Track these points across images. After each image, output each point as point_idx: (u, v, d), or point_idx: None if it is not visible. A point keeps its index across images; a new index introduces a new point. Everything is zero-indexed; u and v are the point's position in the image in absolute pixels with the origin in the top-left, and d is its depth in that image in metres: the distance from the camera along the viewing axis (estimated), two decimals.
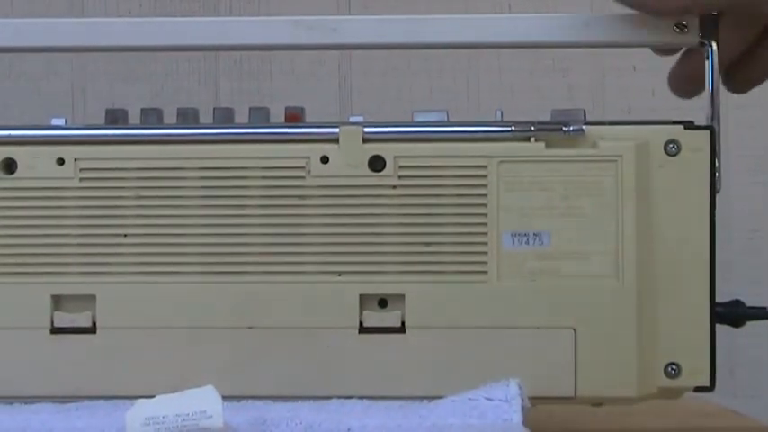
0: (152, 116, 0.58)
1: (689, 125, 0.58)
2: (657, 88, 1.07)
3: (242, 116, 0.59)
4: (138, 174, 0.57)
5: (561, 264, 0.56)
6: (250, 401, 0.54)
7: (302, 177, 0.57)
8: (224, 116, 0.59)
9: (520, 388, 0.51)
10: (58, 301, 0.56)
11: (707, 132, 0.58)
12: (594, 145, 0.57)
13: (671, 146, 0.57)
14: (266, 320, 0.56)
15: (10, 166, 0.56)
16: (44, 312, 0.56)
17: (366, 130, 0.57)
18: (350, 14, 1.06)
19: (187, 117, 0.59)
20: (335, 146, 0.57)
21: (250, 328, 0.56)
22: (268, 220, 0.57)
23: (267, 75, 1.05)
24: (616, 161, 0.56)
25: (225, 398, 0.48)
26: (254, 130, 0.58)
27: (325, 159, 0.56)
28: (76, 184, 0.56)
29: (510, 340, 0.55)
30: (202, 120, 0.59)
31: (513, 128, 0.59)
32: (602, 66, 1.07)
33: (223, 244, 0.57)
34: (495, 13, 1.07)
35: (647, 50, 1.06)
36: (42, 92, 1.02)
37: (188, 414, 0.43)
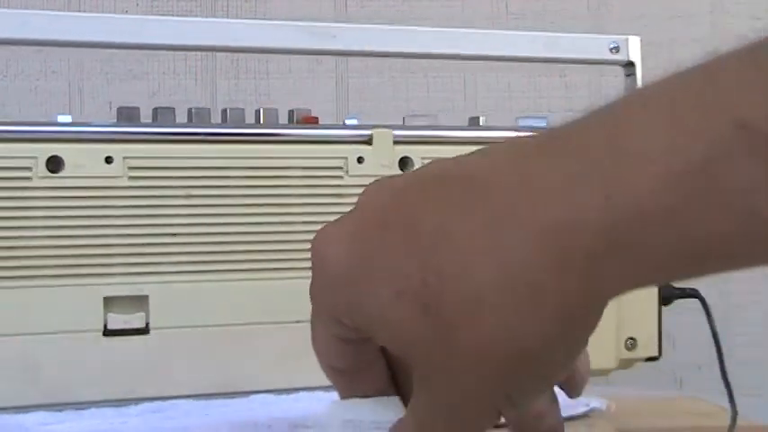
0: (166, 115, 0.58)
1: None
2: None
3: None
4: (187, 173, 0.57)
5: None
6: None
7: (340, 177, 0.60)
8: (237, 116, 0.60)
9: None
10: (110, 303, 0.55)
11: None
12: None
13: None
14: None
15: (56, 164, 0.54)
16: (97, 315, 0.55)
17: (396, 132, 0.62)
18: (347, 13, 1.06)
19: (201, 117, 0.59)
20: (369, 147, 0.60)
21: (298, 322, 0.57)
22: (309, 218, 0.58)
23: (264, 74, 1.05)
24: None
25: (282, 390, 0.48)
26: (296, 131, 0.60)
27: (360, 160, 0.60)
28: (125, 183, 0.55)
29: None
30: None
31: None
32: (599, 65, 1.07)
33: (268, 241, 0.58)
34: (494, 13, 1.07)
35: (645, 50, 1.06)
36: (39, 90, 1.01)
37: (382, 421, 0.42)
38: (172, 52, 1.03)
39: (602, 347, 0.60)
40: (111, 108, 1.02)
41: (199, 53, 1.02)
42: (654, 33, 1.07)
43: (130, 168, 0.55)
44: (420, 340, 0.34)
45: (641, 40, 1.07)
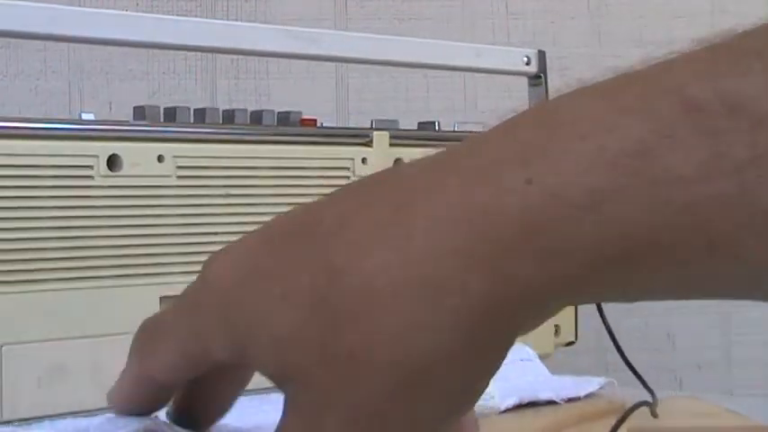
0: (183, 114, 0.58)
1: None
2: None
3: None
4: (226, 172, 0.57)
5: None
6: None
7: (347, 177, 0.62)
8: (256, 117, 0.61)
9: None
10: (164, 303, 0.55)
11: None
12: None
13: None
14: None
15: (115, 163, 0.54)
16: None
17: (392, 134, 0.65)
18: (347, 14, 1.06)
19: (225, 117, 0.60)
20: (371, 149, 0.63)
21: None
22: None
23: (264, 74, 1.05)
24: None
25: None
26: (312, 132, 0.63)
27: (364, 161, 0.63)
28: (174, 182, 0.55)
29: None
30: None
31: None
32: (599, 65, 1.07)
33: None
34: (494, 13, 1.07)
35: (645, 50, 1.06)
36: (39, 90, 1.01)
37: None
38: (172, 53, 1.03)
39: (542, 332, 0.62)
40: (111, 108, 1.02)
41: (199, 54, 1.02)
42: (654, 33, 1.07)
43: (179, 168, 0.55)
44: (301, 347, 0.29)
45: (641, 40, 1.07)
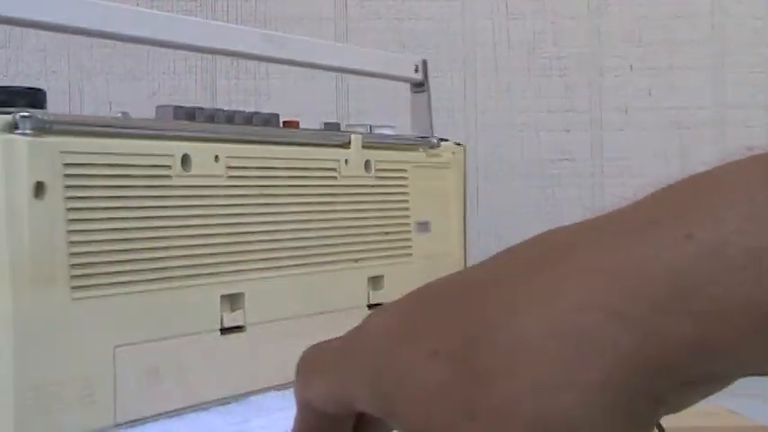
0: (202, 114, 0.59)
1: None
2: (654, 87, 1.08)
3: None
4: (262, 172, 0.58)
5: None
6: None
7: (335, 177, 0.64)
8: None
9: None
10: (225, 301, 0.56)
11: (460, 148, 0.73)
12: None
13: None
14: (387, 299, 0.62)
15: (187, 163, 0.54)
16: (215, 313, 0.55)
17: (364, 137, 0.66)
18: (346, 14, 1.06)
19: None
20: (349, 150, 0.65)
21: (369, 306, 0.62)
22: (352, 214, 0.65)
23: (264, 74, 1.05)
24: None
25: None
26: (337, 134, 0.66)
27: (347, 162, 0.64)
28: (224, 182, 0.56)
29: None
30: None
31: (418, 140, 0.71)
32: (599, 65, 1.07)
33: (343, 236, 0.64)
34: (494, 13, 1.07)
35: (645, 51, 1.06)
36: None
37: None
38: (172, 53, 1.03)
39: None
40: (110, 108, 1.02)
41: (199, 54, 1.02)
42: (654, 33, 1.07)
43: (228, 168, 0.56)
44: (450, 403, 0.29)
45: (641, 40, 1.07)
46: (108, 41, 1.03)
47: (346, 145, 0.65)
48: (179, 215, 0.53)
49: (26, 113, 0.46)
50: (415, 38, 1.06)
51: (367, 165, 0.66)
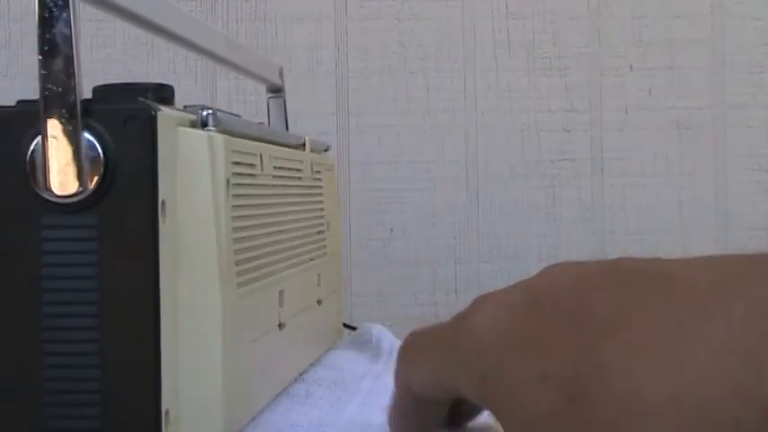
0: None
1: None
2: (654, 87, 1.08)
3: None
4: (285, 172, 0.59)
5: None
6: None
7: (300, 178, 0.64)
8: None
9: None
10: (281, 297, 0.56)
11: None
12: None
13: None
14: None
15: (263, 162, 0.55)
16: (276, 309, 0.55)
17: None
18: (346, 14, 1.06)
19: None
20: (304, 152, 0.66)
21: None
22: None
23: None
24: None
25: None
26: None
27: (302, 162, 0.65)
28: (269, 181, 0.56)
29: None
30: None
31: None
32: (599, 65, 1.07)
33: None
34: (494, 13, 1.07)
35: (645, 51, 1.06)
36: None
37: None
38: (172, 54, 1.03)
39: None
40: None
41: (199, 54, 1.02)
42: (654, 33, 1.07)
43: (275, 168, 0.57)
44: (552, 430, 0.30)
45: (641, 40, 1.07)
46: (108, 42, 1.03)
47: (301, 147, 0.66)
48: (267, 213, 0.55)
49: (211, 110, 0.46)
50: (415, 38, 1.06)
51: (312, 166, 0.67)
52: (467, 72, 1.07)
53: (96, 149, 0.41)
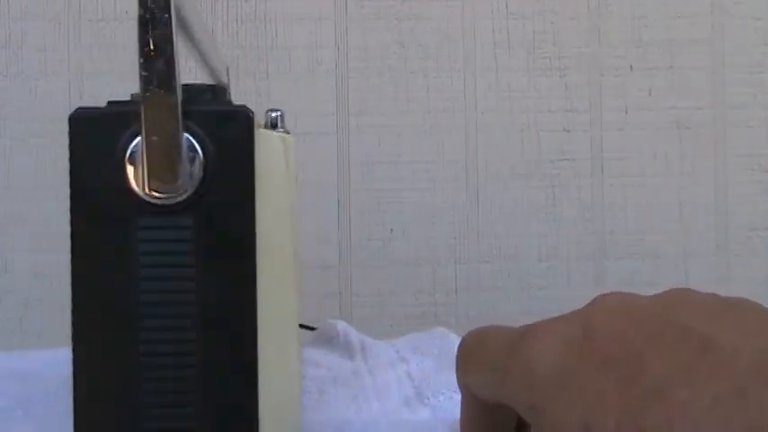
0: None
1: None
2: (654, 87, 1.08)
3: None
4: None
5: None
6: None
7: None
8: None
9: None
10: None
11: None
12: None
13: None
14: None
15: None
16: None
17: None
18: (346, 14, 1.06)
19: None
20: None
21: None
22: None
23: (264, 74, 1.05)
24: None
25: None
26: None
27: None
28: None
29: None
30: None
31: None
32: (599, 65, 1.07)
33: None
34: (494, 13, 1.07)
35: (645, 51, 1.06)
36: (39, 91, 1.01)
37: None
38: None
39: None
40: None
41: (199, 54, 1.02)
42: (654, 33, 1.07)
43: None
44: None
45: (641, 40, 1.07)
46: (109, 42, 1.03)
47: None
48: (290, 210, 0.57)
49: (279, 112, 0.47)
50: (415, 38, 1.06)
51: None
52: (467, 72, 1.06)
53: (196, 150, 0.41)
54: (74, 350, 0.40)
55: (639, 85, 1.07)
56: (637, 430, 0.30)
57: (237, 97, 1.04)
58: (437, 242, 1.06)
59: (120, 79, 1.02)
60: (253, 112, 0.42)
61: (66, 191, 0.41)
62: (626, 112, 1.07)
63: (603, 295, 0.36)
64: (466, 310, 1.02)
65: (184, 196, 0.41)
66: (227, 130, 0.42)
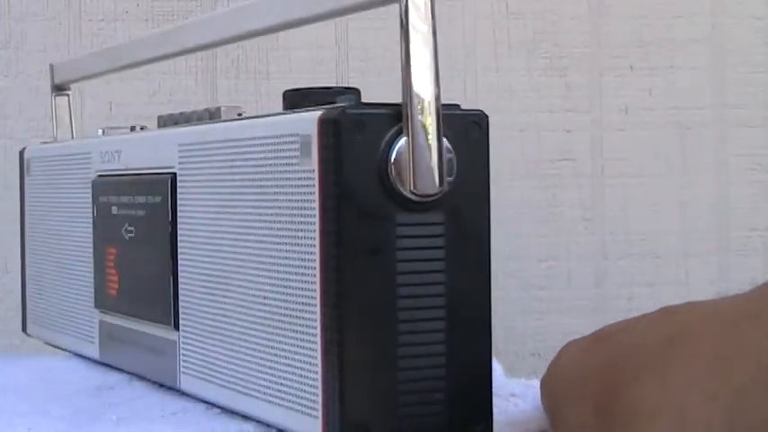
0: None
1: None
2: (654, 87, 1.08)
3: None
4: None
5: None
6: None
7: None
8: None
9: None
10: None
11: None
12: None
13: None
14: None
15: None
16: None
17: None
18: None
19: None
20: None
21: None
22: None
23: (264, 74, 1.05)
24: None
25: None
26: None
27: None
28: None
29: None
30: None
31: None
32: (599, 65, 1.07)
33: None
34: (494, 13, 1.07)
35: (645, 51, 1.06)
36: (40, 91, 1.01)
37: None
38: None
39: None
40: (111, 108, 1.02)
41: (199, 54, 1.02)
42: (654, 33, 1.07)
43: None
44: None
45: (641, 40, 1.07)
46: (109, 42, 1.03)
47: None
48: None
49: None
50: None
51: None
52: (467, 72, 1.07)
53: (451, 152, 0.47)
54: (337, 335, 0.42)
55: (640, 85, 1.07)
56: None
57: (238, 97, 1.04)
58: None
59: (119, 78, 1.02)
60: (487, 116, 0.48)
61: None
62: (626, 112, 1.07)
63: (632, 319, 0.40)
64: None
65: (440, 194, 0.45)
66: (472, 134, 0.50)
